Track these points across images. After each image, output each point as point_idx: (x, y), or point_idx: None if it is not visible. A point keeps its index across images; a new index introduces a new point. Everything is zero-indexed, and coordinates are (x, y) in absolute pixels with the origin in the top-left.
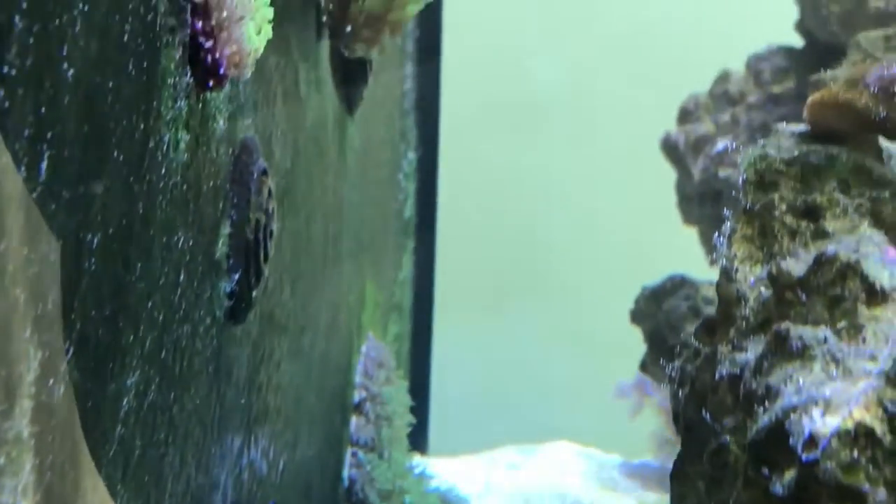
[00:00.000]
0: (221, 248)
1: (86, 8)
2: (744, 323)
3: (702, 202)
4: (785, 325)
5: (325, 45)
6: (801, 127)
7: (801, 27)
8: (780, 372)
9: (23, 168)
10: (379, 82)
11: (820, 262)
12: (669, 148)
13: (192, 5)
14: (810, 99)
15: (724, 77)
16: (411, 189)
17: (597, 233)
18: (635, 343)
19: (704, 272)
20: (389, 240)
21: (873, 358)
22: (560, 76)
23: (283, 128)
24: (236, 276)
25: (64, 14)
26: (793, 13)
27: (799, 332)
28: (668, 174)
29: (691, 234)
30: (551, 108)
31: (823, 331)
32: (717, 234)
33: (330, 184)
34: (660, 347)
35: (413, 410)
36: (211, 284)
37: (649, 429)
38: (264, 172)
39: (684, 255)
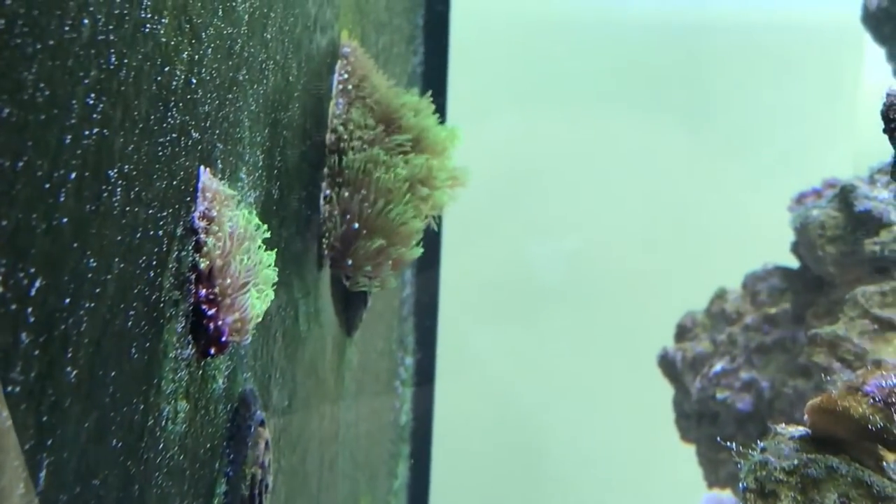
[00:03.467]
0: None
1: (91, 305)
2: None
3: (699, 422)
4: None
5: (326, 273)
6: (800, 430)
7: (797, 251)
8: None
9: (21, 485)
10: (378, 295)
11: None
12: (667, 365)
13: (197, 273)
14: (810, 403)
15: (720, 295)
16: (408, 394)
17: (597, 443)
18: None
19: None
20: (385, 450)
21: None
22: (559, 267)
23: (281, 367)
24: None
25: (70, 318)
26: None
27: None
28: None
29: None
30: (550, 297)
31: None
32: None
33: (327, 411)
34: None
35: None
36: None
37: None
38: (261, 423)
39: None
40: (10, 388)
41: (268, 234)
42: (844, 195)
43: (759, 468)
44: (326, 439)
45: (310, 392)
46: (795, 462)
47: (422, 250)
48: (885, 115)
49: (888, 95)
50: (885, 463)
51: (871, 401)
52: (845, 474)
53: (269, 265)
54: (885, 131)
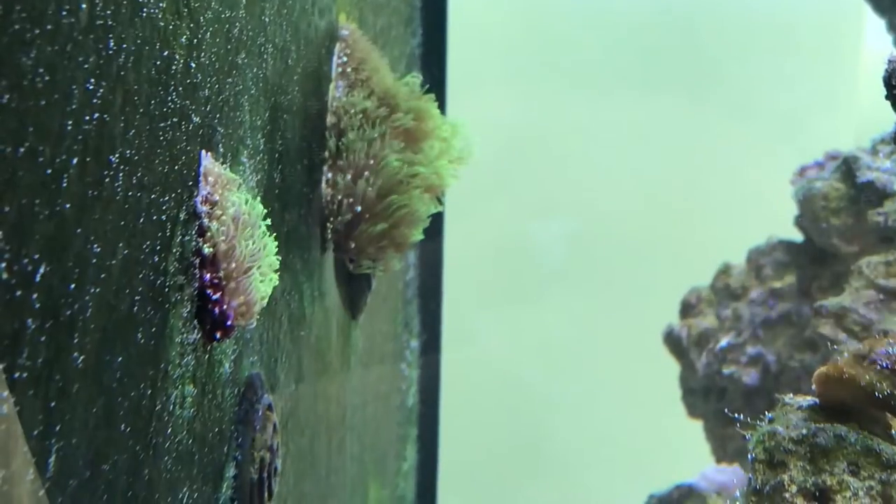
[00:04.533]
0: (226, 492)
1: (97, 290)
2: None
3: (706, 397)
4: None
5: (330, 256)
6: (809, 400)
7: (801, 224)
8: None
9: (31, 471)
10: (382, 278)
11: None
12: (672, 342)
13: (201, 258)
14: (817, 372)
15: (724, 271)
16: (414, 376)
17: (602, 422)
18: None
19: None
20: (392, 432)
21: None
22: (561, 247)
23: (287, 350)
24: None
25: (76, 303)
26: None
27: None
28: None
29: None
30: (553, 278)
31: None
32: None
33: (334, 394)
34: None
35: None
36: None
37: None
38: (269, 407)
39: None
40: (17, 374)
41: (269, 221)
42: (847, 166)
43: (767, 438)
44: (334, 422)
45: (316, 375)
46: (804, 432)
47: (423, 236)
48: (888, 82)
49: (890, 62)
50: (893, 431)
51: (878, 368)
52: (854, 442)
53: (273, 252)
54: (887, 97)
